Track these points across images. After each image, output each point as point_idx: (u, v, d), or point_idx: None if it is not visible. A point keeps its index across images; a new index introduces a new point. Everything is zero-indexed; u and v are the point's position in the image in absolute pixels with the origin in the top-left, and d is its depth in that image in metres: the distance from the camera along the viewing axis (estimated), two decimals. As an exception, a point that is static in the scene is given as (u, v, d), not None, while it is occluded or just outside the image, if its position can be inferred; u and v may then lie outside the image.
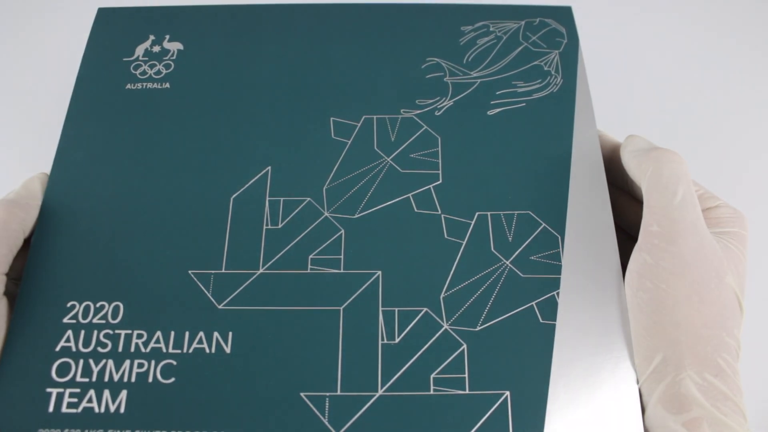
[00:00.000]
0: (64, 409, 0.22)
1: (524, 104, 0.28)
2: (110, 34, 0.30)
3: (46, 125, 0.29)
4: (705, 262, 0.22)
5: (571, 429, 0.21)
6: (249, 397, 0.22)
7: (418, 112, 0.28)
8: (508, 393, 0.22)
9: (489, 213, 0.25)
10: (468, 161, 0.26)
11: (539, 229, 0.25)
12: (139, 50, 0.29)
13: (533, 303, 0.24)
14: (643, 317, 0.22)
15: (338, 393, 0.22)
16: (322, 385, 0.22)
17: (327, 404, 0.22)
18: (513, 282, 0.24)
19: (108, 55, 0.29)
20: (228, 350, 0.23)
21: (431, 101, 0.28)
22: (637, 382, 0.22)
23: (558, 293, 0.24)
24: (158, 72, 0.29)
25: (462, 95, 0.28)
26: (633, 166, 0.25)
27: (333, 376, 0.22)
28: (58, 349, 0.23)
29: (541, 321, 0.23)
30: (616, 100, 0.37)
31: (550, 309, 0.23)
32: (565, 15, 0.30)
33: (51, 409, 0.22)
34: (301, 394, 0.22)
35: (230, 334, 0.23)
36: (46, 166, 0.27)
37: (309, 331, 0.23)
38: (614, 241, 0.25)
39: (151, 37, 0.30)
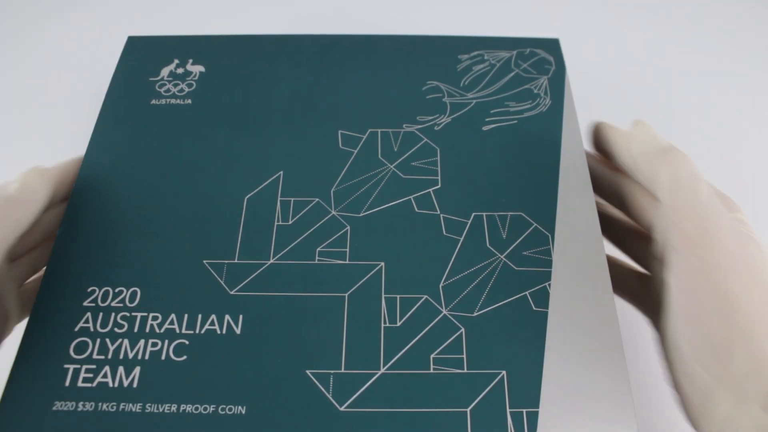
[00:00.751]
0: (79, 384, 0.23)
1: (516, 121, 0.30)
2: (138, 57, 0.33)
3: (75, 138, 0.32)
4: (752, 254, 0.22)
5: (564, 404, 0.22)
6: (257, 374, 0.23)
7: (419, 126, 0.30)
8: (504, 372, 0.23)
9: (484, 213, 0.27)
10: (464, 169, 0.29)
11: (531, 228, 0.27)
12: (164, 71, 0.32)
13: (526, 292, 0.25)
14: (708, 317, 0.21)
15: (342, 371, 0.23)
16: (327, 363, 0.23)
17: (331, 381, 0.23)
18: (507, 274, 0.26)
19: (136, 75, 0.32)
20: (238, 331, 0.24)
21: (431, 118, 0.30)
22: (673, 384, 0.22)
23: (549, 284, 0.25)
24: (181, 90, 0.31)
25: (459, 113, 0.31)
26: (644, 167, 0.25)
27: (337, 356, 0.24)
28: (77, 329, 0.24)
29: (534, 308, 0.25)
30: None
31: (543, 298, 0.25)
32: (552, 46, 0.33)
33: (67, 383, 0.23)
34: (307, 372, 0.23)
35: (241, 316, 0.24)
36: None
37: (315, 314, 0.24)
38: (601, 240, 0.26)
39: (176, 61, 0.33)
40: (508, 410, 0.22)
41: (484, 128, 0.30)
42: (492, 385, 0.23)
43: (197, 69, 0.32)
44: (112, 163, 0.29)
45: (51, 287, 0.25)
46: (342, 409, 0.22)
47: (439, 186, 0.28)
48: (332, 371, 0.23)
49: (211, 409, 0.22)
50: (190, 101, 0.31)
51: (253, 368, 0.23)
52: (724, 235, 0.21)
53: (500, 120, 0.30)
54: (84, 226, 0.27)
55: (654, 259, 0.27)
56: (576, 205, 0.27)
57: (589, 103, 0.35)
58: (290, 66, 0.32)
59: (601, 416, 0.22)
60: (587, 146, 0.30)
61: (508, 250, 0.26)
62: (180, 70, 0.32)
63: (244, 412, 0.22)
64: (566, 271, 0.26)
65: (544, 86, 0.32)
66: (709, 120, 0.45)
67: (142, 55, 0.33)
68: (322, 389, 0.23)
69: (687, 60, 0.48)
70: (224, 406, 0.23)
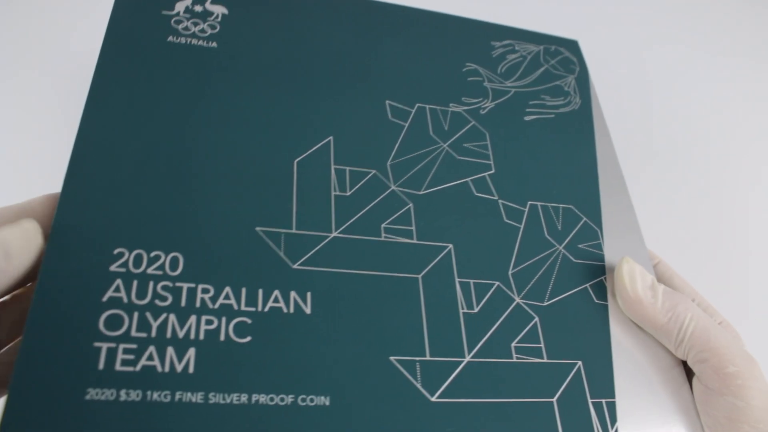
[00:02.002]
0: (118, 367, 0.18)
1: (553, 116, 0.30)
2: None
3: (70, 97, 0.25)
4: None
5: (636, 394, 0.23)
6: (336, 360, 0.20)
7: (466, 108, 0.29)
8: (580, 362, 0.23)
9: (539, 203, 0.27)
10: (514, 157, 0.28)
11: (581, 222, 0.27)
12: (180, 6, 0.27)
13: (587, 285, 0.25)
14: None
15: (428, 358, 0.21)
16: (411, 349, 0.21)
17: (418, 368, 0.21)
18: (567, 265, 0.26)
19: (143, 6, 0.27)
20: (308, 311, 0.21)
21: (475, 101, 0.29)
22: None
23: (605, 278, 0.26)
24: (203, 30, 0.27)
25: (501, 100, 0.30)
26: (661, 317, 0.24)
27: (420, 341, 0.22)
28: (105, 299, 0.19)
29: (596, 301, 0.25)
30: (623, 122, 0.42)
31: (602, 291, 0.25)
32: (573, 47, 0.34)
33: (101, 366, 0.18)
34: (391, 358, 0.21)
35: (308, 294, 0.21)
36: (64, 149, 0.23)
37: (391, 295, 0.22)
38: (642, 239, 0.28)
39: None
40: (589, 400, 0.22)
41: (526, 118, 0.30)
42: (572, 375, 0.23)
43: (219, 10, 0.28)
44: (127, 103, 0.23)
45: (62, 246, 0.20)
46: (434, 399, 0.21)
47: (493, 171, 0.27)
48: (418, 358, 0.21)
49: (290, 399, 0.19)
50: (215, 44, 0.26)
51: (331, 353, 0.21)
52: (760, 372, 0.22)
53: (539, 112, 0.30)
54: (98, 175, 0.22)
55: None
56: (615, 204, 0.28)
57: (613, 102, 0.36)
58: (328, 25, 0.29)
59: (669, 406, 0.23)
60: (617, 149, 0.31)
61: (565, 242, 0.26)
62: (198, 8, 0.27)
63: (328, 403, 0.20)
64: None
65: (573, 85, 0.32)
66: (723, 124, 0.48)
67: None
68: (410, 378, 0.21)
69: (700, 63, 0.51)
70: (305, 396, 0.20)
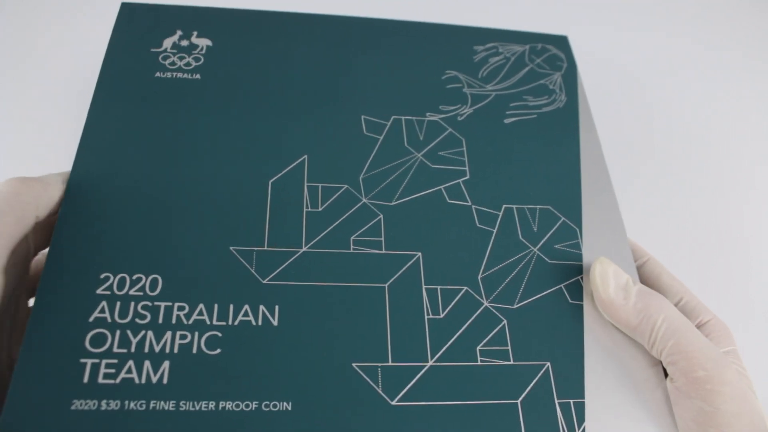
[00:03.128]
0: (100, 380, 0.21)
1: (535, 116, 0.30)
2: (135, 26, 0.30)
3: (68, 121, 0.28)
4: (752, 398, 0.22)
5: (607, 394, 0.23)
6: (301, 368, 0.22)
7: (443, 116, 0.30)
8: (548, 364, 0.23)
9: (515, 206, 0.27)
10: (491, 161, 0.28)
11: (559, 222, 0.27)
12: (167, 43, 0.30)
13: (561, 285, 0.25)
14: None
15: (390, 363, 0.22)
16: (373, 356, 0.22)
17: (380, 374, 0.22)
18: (541, 266, 0.26)
19: (135, 46, 0.29)
20: (275, 323, 0.23)
21: (453, 108, 0.30)
22: None
23: (582, 278, 0.26)
24: (188, 64, 0.29)
25: (480, 104, 0.30)
26: (633, 318, 0.24)
27: (383, 348, 0.23)
28: (91, 319, 0.22)
29: (570, 301, 0.25)
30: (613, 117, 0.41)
31: (577, 291, 0.25)
32: (562, 43, 0.34)
33: (86, 379, 0.21)
34: (354, 365, 0.22)
35: (276, 307, 0.23)
36: (67, 162, 0.26)
37: (356, 305, 0.23)
38: (625, 237, 0.27)
39: (179, 32, 0.30)
40: (556, 401, 0.23)
41: (506, 121, 0.30)
42: (538, 376, 0.23)
43: (203, 42, 0.30)
44: (116, 139, 0.26)
45: (56, 272, 0.22)
46: (394, 403, 0.22)
47: (467, 177, 0.28)
48: (380, 364, 0.22)
49: (254, 405, 0.21)
50: (198, 76, 0.29)
51: (295, 362, 0.22)
52: (732, 377, 0.21)
53: (521, 114, 0.30)
54: (88, 206, 0.24)
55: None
56: (598, 201, 0.28)
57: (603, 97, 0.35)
58: (306, 46, 0.31)
59: (643, 406, 0.23)
60: (603, 143, 0.31)
61: (540, 243, 0.26)
62: (184, 43, 0.30)
63: (290, 408, 0.21)
64: None
65: (558, 82, 0.32)
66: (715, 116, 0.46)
67: (140, 24, 0.30)
68: (371, 383, 0.22)
69: (693, 56, 0.50)
70: (268, 402, 0.21)
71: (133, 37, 0.29)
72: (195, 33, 0.30)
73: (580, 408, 0.23)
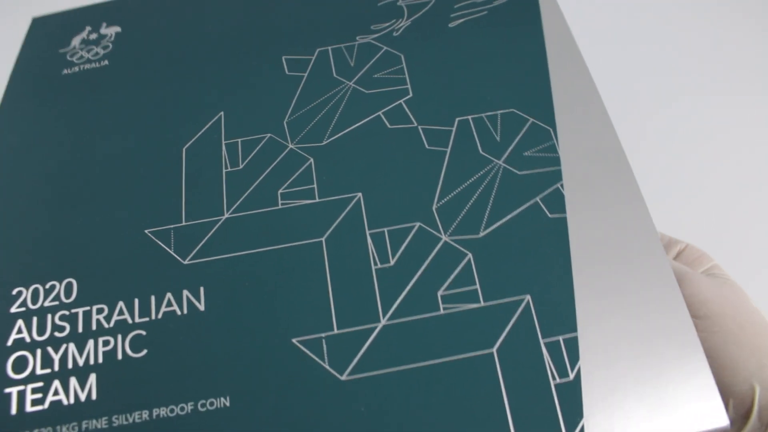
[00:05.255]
0: (28, 408, 0.19)
1: (486, 12, 0.25)
2: (45, 33, 0.28)
3: None
4: (726, 297, 0.22)
5: (607, 323, 0.19)
6: (235, 355, 0.19)
7: (375, 36, 0.25)
8: (528, 297, 0.19)
9: (470, 117, 0.22)
10: (437, 72, 0.24)
11: (528, 124, 0.22)
12: (75, 41, 0.28)
13: (537, 198, 0.21)
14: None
15: (335, 332, 0.19)
16: (316, 326, 0.19)
17: (324, 346, 0.19)
18: (510, 181, 0.21)
19: (43, 51, 0.27)
20: (202, 308, 0.20)
21: (387, 24, 0.25)
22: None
23: (562, 185, 0.21)
24: (96, 54, 0.27)
25: (418, 14, 0.26)
26: None
27: (326, 315, 0.19)
28: (9, 343, 0.20)
29: (549, 215, 0.20)
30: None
31: (558, 201, 0.21)
32: None
33: (13, 410, 0.19)
34: (293, 341, 0.19)
35: (201, 289, 0.20)
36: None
37: (290, 270, 0.20)
38: (609, 122, 0.22)
39: (88, 28, 0.28)
40: (541, 341, 0.19)
41: (451, 24, 0.25)
42: (517, 314, 0.19)
43: (112, 30, 0.28)
44: (22, 143, 0.24)
45: None
46: (344, 378, 0.19)
47: (410, 95, 0.23)
48: (323, 334, 0.19)
49: (189, 407, 0.19)
50: (107, 62, 0.26)
51: (228, 349, 0.19)
52: (700, 288, 0.21)
53: (468, 14, 0.25)
54: None
55: None
56: (573, 90, 0.23)
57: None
58: (220, 3, 0.27)
59: (654, 329, 0.18)
60: (571, 24, 0.25)
61: (506, 154, 0.22)
62: (93, 36, 0.28)
63: (228, 403, 0.19)
64: (578, 166, 0.21)
65: None
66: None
67: (50, 32, 0.28)
68: (316, 358, 0.19)
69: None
70: (204, 402, 0.19)
71: (42, 45, 0.28)
72: (104, 24, 0.28)
73: (573, 344, 0.18)
